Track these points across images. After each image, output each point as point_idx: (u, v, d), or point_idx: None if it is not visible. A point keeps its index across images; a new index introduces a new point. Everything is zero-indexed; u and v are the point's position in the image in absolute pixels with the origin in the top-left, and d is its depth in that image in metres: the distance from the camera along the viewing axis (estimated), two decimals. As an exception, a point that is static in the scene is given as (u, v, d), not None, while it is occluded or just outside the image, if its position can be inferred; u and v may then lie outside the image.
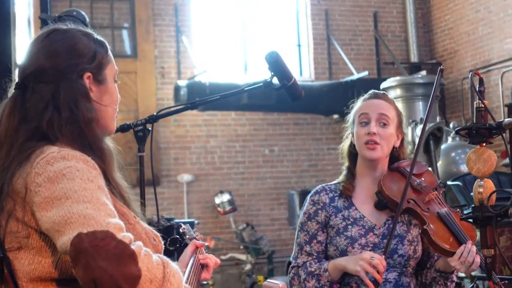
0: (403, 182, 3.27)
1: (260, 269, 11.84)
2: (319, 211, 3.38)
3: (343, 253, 3.28)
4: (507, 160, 9.12)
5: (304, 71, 13.27)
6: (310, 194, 3.47)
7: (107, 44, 2.35)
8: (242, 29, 12.96)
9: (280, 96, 10.35)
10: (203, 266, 2.71)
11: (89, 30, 2.33)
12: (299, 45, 13.37)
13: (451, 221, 3.21)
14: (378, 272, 3.06)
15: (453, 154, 9.11)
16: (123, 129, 3.41)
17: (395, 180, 3.31)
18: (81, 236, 1.86)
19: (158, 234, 2.28)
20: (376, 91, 3.51)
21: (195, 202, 12.18)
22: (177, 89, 11.34)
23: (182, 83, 11.42)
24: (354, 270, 3.11)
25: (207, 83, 11.28)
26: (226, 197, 11.90)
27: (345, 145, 3.52)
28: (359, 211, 3.35)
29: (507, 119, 2.84)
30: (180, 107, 3.68)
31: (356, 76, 12.36)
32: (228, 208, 11.87)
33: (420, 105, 10.43)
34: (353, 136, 3.44)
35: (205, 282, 9.34)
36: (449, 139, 9.38)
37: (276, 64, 3.21)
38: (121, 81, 10.87)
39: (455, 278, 3.29)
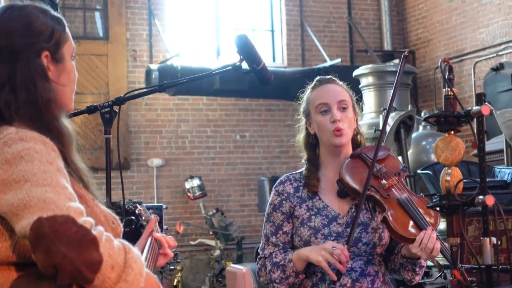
0: (363, 169, 3.25)
1: (229, 255, 11.83)
2: (283, 202, 3.36)
3: (307, 243, 3.26)
4: (477, 150, 9.15)
5: (277, 57, 13.24)
6: (275, 185, 3.45)
7: (64, 21, 2.28)
8: (215, 14, 12.90)
9: (252, 82, 10.32)
10: (160, 247, 2.68)
11: (47, 7, 2.26)
12: (272, 31, 13.33)
13: (411, 207, 3.18)
14: (341, 262, 3.04)
15: (423, 143, 9.11)
16: (89, 110, 3.38)
17: (356, 167, 3.29)
18: (41, 221, 1.83)
19: (117, 217, 2.24)
20: (323, 77, 3.51)
21: (165, 186, 12.14)
22: (148, 72, 11.26)
23: (154, 66, 11.34)
24: (316, 260, 3.09)
25: (179, 67, 11.22)
26: (196, 182, 11.86)
27: (300, 137, 3.49)
28: (322, 200, 3.33)
29: (475, 107, 2.83)
30: (148, 90, 3.65)
31: (329, 63, 12.35)
32: (198, 193, 11.83)
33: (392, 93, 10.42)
34: (309, 126, 3.42)
35: (172, 267, 9.30)
36: (420, 127, 9.39)
37: (245, 48, 3.20)
38: (92, 63, 10.83)
39: (423, 263, 3.26)
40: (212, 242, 11.82)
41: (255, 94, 11.96)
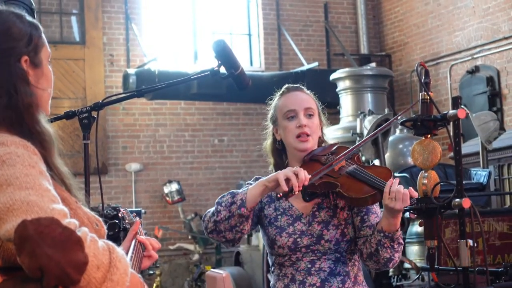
0: (317, 167, 3.31)
1: (208, 259, 11.82)
2: None
3: (273, 242, 3.34)
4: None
5: (254, 61, 13.25)
6: (247, 182, 3.51)
7: (40, 26, 2.28)
8: (192, 18, 12.90)
9: (230, 86, 10.33)
10: (144, 249, 2.68)
11: (22, 12, 2.26)
12: (249, 35, 13.34)
13: (361, 173, 3.25)
14: (299, 180, 3.05)
15: (400, 146, 9.17)
16: (68, 116, 3.37)
17: (309, 167, 3.34)
18: (25, 223, 1.82)
19: (100, 219, 2.24)
20: (292, 85, 3.58)
21: (143, 191, 12.11)
22: (126, 77, 11.24)
23: (131, 71, 11.31)
24: (274, 175, 3.11)
25: (157, 71, 11.20)
26: (174, 186, 11.85)
27: (267, 142, 3.57)
28: (288, 201, 3.39)
29: (451, 111, 2.86)
30: (126, 95, 3.65)
31: (306, 66, 12.39)
32: (176, 197, 11.82)
33: (369, 96, 10.49)
34: (276, 132, 3.50)
35: (151, 272, 9.29)
36: (397, 131, 9.44)
37: (223, 53, 3.21)
38: (69, 68, 10.75)
39: (401, 240, 3.24)
40: (191, 247, 11.81)
41: (233, 98, 11.98)
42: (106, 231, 2.26)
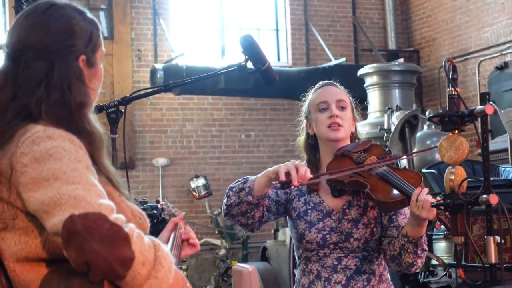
0: (347, 163, 3.29)
1: (235, 254, 11.84)
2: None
3: (302, 236, 3.33)
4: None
5: (281, 56, 13.25)
6: None
7: (99, 25, 2.30)
8: (220, 13, 12.91)
9: (257, 81, 10.33)
10: (182, 241, 2.70)
11: (84, 9, 2.28)
12: (277, 30, 13.34)
13: (391, 176, 3.22)
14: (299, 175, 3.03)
15: (428, 142, 9.10)
16: (96, 110, 3.38)
17: (340, 163, 3.34)
18: (73, 218, 1.86)
19: (143, 213, 2.25)
20: (326, 81, 3.57)
21: (170, 186, 12.15)
22: (153, 72, 11.27)
23: (159, 66, 11.35)
24: (277, 168, 3.08)
25: (184, 66, 11.23)
26: (201, 181, 11.87)
27: (301, 139, 3.56)
28: (319, 196, 3.39)
29: (479, 107, 2.85)
30: (154, 89, 3.68)
31: (333, 62, 12.36)
32: (203, 192, 11.84)
33: (396, 92, 10.45)
34: (309, 127, 3.49)
35: (178, 267, 9.34)
36: (425, 127, 9.39)
37: (251, 48, 3.22)
38: (97, 63, 10.59)
39: (425, 246, 3.24)
40: (217, 242, 11.83)
41: (260, 93, 11.97)
42: (149, 224, 2.28)
